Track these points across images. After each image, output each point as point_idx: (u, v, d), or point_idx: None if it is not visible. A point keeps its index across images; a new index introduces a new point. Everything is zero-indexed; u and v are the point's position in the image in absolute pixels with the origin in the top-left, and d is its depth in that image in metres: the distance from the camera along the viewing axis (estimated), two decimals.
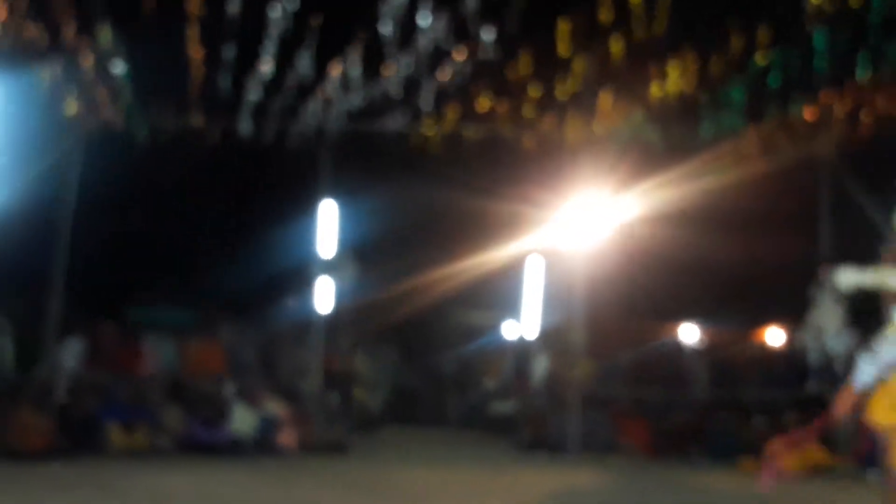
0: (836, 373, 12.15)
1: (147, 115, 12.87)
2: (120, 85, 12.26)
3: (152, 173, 15.41)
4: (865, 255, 12.22)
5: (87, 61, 11.78)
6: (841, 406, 5.52)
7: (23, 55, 10.90)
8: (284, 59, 11.28)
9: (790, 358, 14.77)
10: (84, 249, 13.27)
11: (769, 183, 13.35)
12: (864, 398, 8.24)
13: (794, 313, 12.78)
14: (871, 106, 11.98)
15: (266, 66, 11.31)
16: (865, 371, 5.31)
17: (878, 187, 12.39)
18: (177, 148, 13.34)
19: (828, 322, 12.18)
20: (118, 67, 11.95)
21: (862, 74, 11.65)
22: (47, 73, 11.56)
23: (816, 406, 12.06)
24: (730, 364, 15.12)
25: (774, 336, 18.35)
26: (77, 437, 11.08)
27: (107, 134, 12.88)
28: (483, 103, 12.48)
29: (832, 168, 12.86)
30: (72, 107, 12.43)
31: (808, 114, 12.48)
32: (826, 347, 12.18)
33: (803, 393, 12.36)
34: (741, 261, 14.22)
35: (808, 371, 12.44)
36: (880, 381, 5.39)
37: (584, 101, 12.85)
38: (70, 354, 12.89)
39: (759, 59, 11.42)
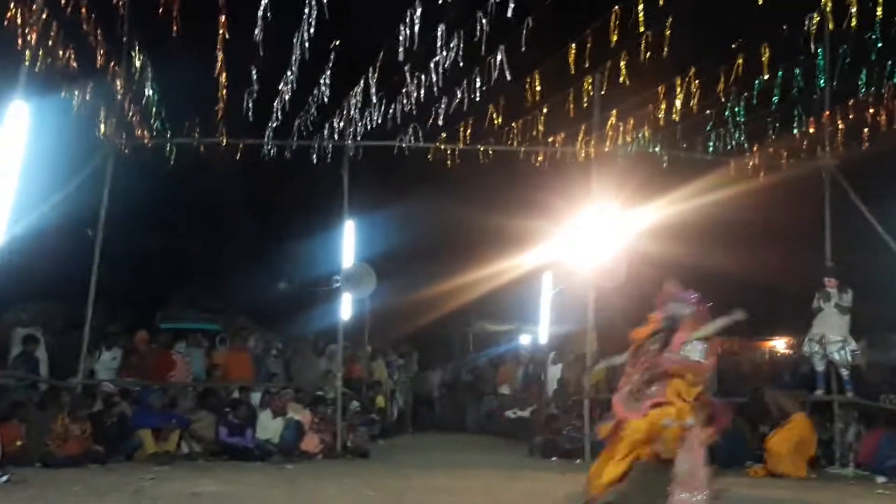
0: (841, 380, 12.41)
1: (175, 133, 13.27)
2: (150, 105, 12.69)
3: (181, 190, 15.78)
4: (867, 265, 12.53)
5: (119, 83, 12.24)
6: None
7: (57, 77, 11.27)
8: (306, 80, 11.65)
9: (796, 366, 14.96)
10: (117, 262, 13.54)
11: (774, 196, 13.55)
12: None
13: (799, 322, 12.89)
14: (873, 121, 12.21)
15: (289, 87, 11.67)
16: None
17: (879, 199, 12.69)
18: (205, 165, 13.70)
19: (831, 331, 12.31)
20: (148, 88, 12.39)
21: (863, 91, 11.94)
22: (80, 94, 11.95)
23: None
24: (737, 372, 15.27)
25: (780, 345, 18.43)
26: (111, 444, 11.48)
27: (137, 152, 13.26)
28: (497, 120, 12.81)
29: (835, 181, 13.02)
30: (104, 126, 12.83)
31: (810, 129, 12.73)
32: (830, 356, 12.30)
33: (809, 400, 12.54)
34: (748, 271, 14.36)
35: (814, 379, 12.57)
36: None
37: (595, 118, 13.19)
38: (104, 364, 13.27)
39: (763, 77, 11.70)
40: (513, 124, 13.13)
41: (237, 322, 16.94)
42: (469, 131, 13.02)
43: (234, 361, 14.41)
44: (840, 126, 12.58)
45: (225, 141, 13.09)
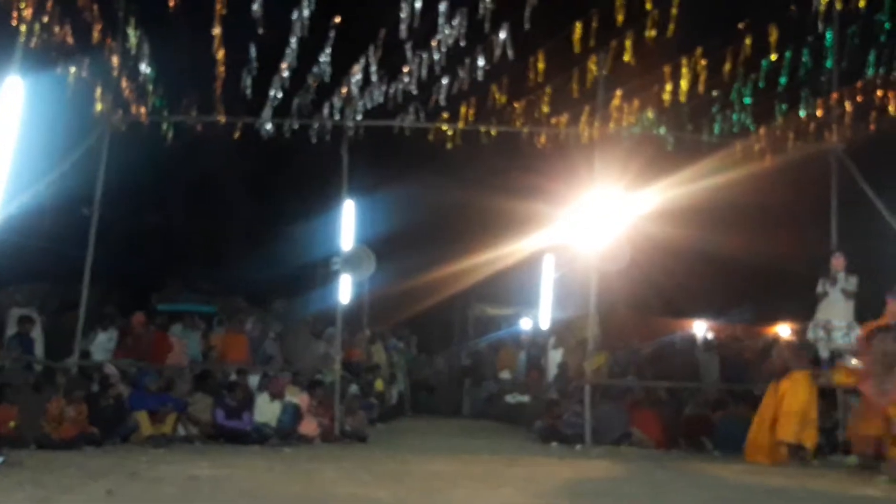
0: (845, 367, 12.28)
1: (172, 111, 13.08)
2: (146, 82, 12.50)
3: (178, 169, 15.65)
4: (873, 251, 12.41)
5: (115, 59, 12.05)
6: None
7: (52, 53, 11.10)
8: (305, 58, 11.48)
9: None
10: (113, 242, 13.45)
11: (780, 179, 13.43)
12: None
13: (804, 308, 12.75)
14: (881, 103, 12.06)
15: (288, 65, 11.50)
16: None
17: (886, 184, 12.54)
18: (202, 144, 13.54)
19: (836, 317, 12.17)
20: (145, 65, 12.20)
21: (871, 72, 11.77)
22: (75, 71, 11.77)
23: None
24: (741, 358, 15.19)
25: (783, 331, 18.33)
26: (107, 426, 11.38)
27: (134, 130, 13.07)
28: (500, 100, 12.65)
29: (842, 165, 12.88)
30: (100, 103, 12.65)
31: (818, 111, 12.56)
32: (835, 342, 12.17)
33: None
34: (752, 256, 14.26)
35: (817, 365, 12.44)
36: None
37: (598, 99, 13.02)
38: (100, 345, 13.17)
39: (770, 57, 11.54)
40: (515, 105, 12.95)
41: (234, 304, 16.87)
42: (471, 112, 12.80)
43: (231, 344, 14.35)
44: (848, 109, 12.40)
45: (223, 119, 12.90)
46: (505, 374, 18.37)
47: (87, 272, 12.66)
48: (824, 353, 12.26)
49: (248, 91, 11.79)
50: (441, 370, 20.62)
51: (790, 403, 11.54)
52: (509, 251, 16.92)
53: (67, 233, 13.59)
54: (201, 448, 11.49)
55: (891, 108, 11.92)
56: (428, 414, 18.86)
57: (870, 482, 9.71)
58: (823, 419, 12.20)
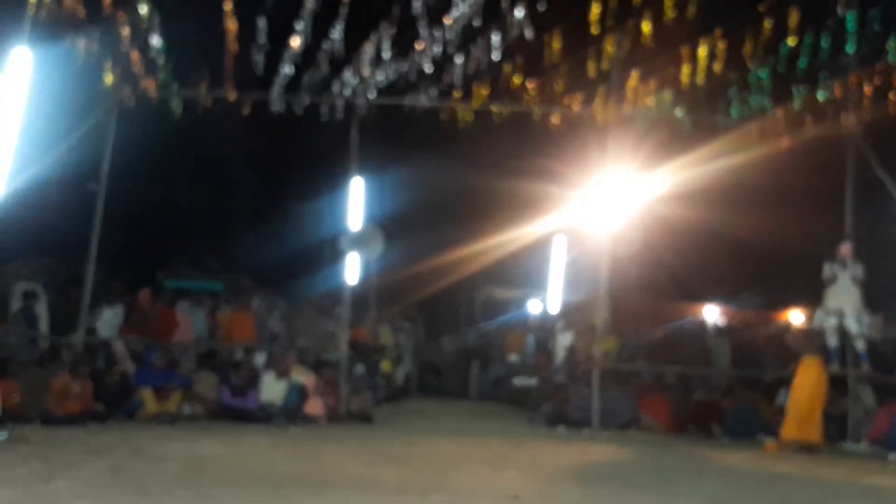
0: (855, 353, 12.16)
1: (181, 86, 12.95)
2: (156, 56, 12.35)
3: (186, 145, 15.54)
4: (889, 236, 12.25)
5: (124, 32, 11.91)
6: None
7: (61, 26, 10.98)
8: (317, 34, 11.34)
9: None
10: (120, 218, 13.37)
11: (795, 163, 13.26)
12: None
13: (816, 294, 12.60)
14: None
15: (299, 41, 11.36)
16: None
17: None
18: (210, 120, 13.40)
19: (846, 302, 12.00)
20: (154, 39, 12.05)
21: (892, 56, 11.58)
22: (84, 44, 11.65)
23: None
24: (752, 345, 15.07)
25: (796, 317, 18.21)
26: (112, 402, 11.36)
27: (142, 104, 12.94)
28: (513, 80, 12.49)
29: (858, 148, 12.70)
30: (108, 77, 12.52)
31: (836, 93, 12.37)
32: (845, 328, 12.02)
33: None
34: (765, 241, 14.10)
35: (826, 353, 12.31)
36: None
37: (613, 80, 12.85)
38: (106, 321, 13.11)
39: (790, 40, 11.36)
40: (528, 85, 12.78)
41: (240, 282, 16.81)
42: (484, 91, 12.64)
43: (238, 322, 14.28)
44: (867, 93, 12.21)
45: (233, 95, 12.76)
46: (513, 357, 18.30)
47: (94, 247, 12.59)
48: (833, 341, 12.10)
49: (259, 67, 11.65)
50: (448, 352, 20.56)
51: (796, 397, 11.45)
52: (520, 233, 16.79)
53: (74, 208, 13.52)
54: (206, 426, 11.46)
55: None
56: (434, 396, 18.83)
57: (881, 470, 9.63)
58: (833, 407, 12.10)
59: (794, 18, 10.95)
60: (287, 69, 12.07)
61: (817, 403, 11.41)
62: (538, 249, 18.00)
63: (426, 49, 11.36)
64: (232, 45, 11.45)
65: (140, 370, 12.06)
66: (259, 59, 11.50)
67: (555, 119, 13.15)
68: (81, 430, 10.09)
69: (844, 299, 12.01)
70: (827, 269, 12.11)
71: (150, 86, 12.76)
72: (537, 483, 7.80)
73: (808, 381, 11.45)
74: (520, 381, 16.88)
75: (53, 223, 13.89)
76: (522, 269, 19.88)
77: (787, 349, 12.17)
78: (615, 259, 13.25)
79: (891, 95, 12.07)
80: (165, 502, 6.10)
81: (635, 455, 10.48)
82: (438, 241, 17.90)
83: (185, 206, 18.79)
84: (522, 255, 18.22)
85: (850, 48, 11.66)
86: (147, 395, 11.63)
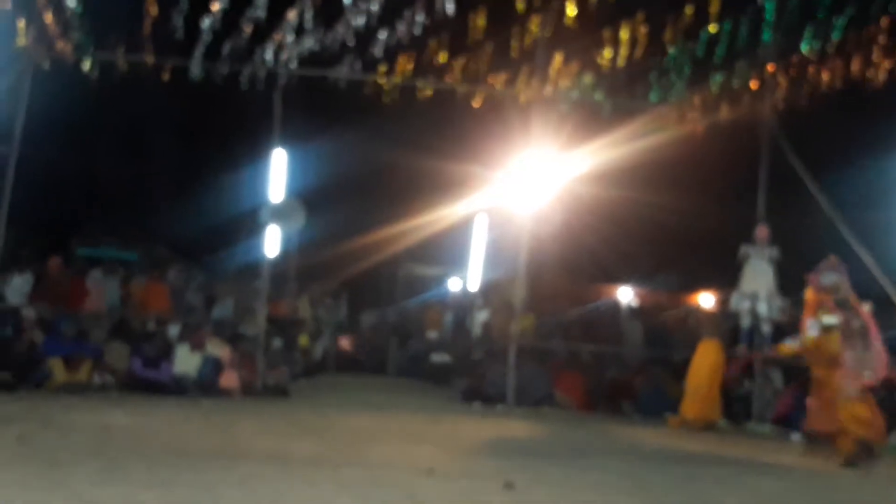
0: (764, 335, 12.54)
1: (98, 49, 12.59)
2: (71, 17, 11.98)
3: (102, 110, 15.13)
4: (799, 221, 12.62)
5: None
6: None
7: None
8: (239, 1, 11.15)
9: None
10: (33, 183, 13.00)
11: (712, 148, 13.57)
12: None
13: (728, 277, 12.97)
14: (814, 78, 12.22)
15: (220, 6, 11.13)
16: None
17: (815, 157, 12.76)
18: (127, 85, 13.06)
19: (761, 286, 12.37)
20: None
21: (806, 47, 11.90)
22: None
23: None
24: (663, 325, 15.44)
25: (707, 299, 18.68)
26: (20, 371, 11.08)
27: (56, 67, 12.56)
28: (437, 57, 12.45)
29: (772, 136, 13.05)
30: (22, 38, 12.12)
31: (751, 82, 12.67)
32: (757, 310, 12.39)
33: (733, 354, 12.65)
34: (681, 224, 14.42)
35: (736, 334, 12.69)
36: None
37: (537, 61, 12.93)
38: (15, 288, 12.76)
39: (710, 27, 11.58)
40: (453, 63, 12.77)
41: (157, 252, 16.50)
42: (409, 67, 12.59)
43: (152, 293, 14.04)
44: (782, 82, 12.55)
45: (151, 60, 12.45)
46: (431, 334, 18.35)
47: (4, 212, 12.24)
48: (745, 322, 12.48)
49: (179, 32, 11.38)
50: (368, 327, 20.52)
51: (694, 377, 11.84)
52: (442, 211, 16.80)
53: None
54: (117, 397, 11.21)
55: (824, 83, 12.08)
56: (352, 371, 18.78)
57: (783, 449, 9.96)
58: (737, 387, 12.51)
59: (714, 4, 11.14)
60: (208, 35, 11.80)
61: (714, 383, 11.85)
62: (460, 228, 18.07)
63: (351, 21, 11.23)
64: (151, 7, 11.18)
65: (49, 339, 11.76)
66: (179, 23, 11.25)
67: (478, 98, 13.18)
68: None
69: (759, 282, 12.40)
70: (743, 250, 12.55)
71: (66, 48, 12.39)
72: (452, 457, 7.87)
73: (706, 362, 11.87)
74: (437, 358, 16.93)
75: None
76: (444, 248, 19.93)
77: (695, 331, 12.53)
78: (535, 239, 13.40)
79: (805, 85, 12.41)
80: (74, 473, 5.97)
81: (548, 430, 10.64)
82: (361, 217, 17.82)
83: (103, 174, 18.31)
84: (445, 234, 18.23)
85: (766, 37, 11.92)
86: (56, 365, 11.36)
